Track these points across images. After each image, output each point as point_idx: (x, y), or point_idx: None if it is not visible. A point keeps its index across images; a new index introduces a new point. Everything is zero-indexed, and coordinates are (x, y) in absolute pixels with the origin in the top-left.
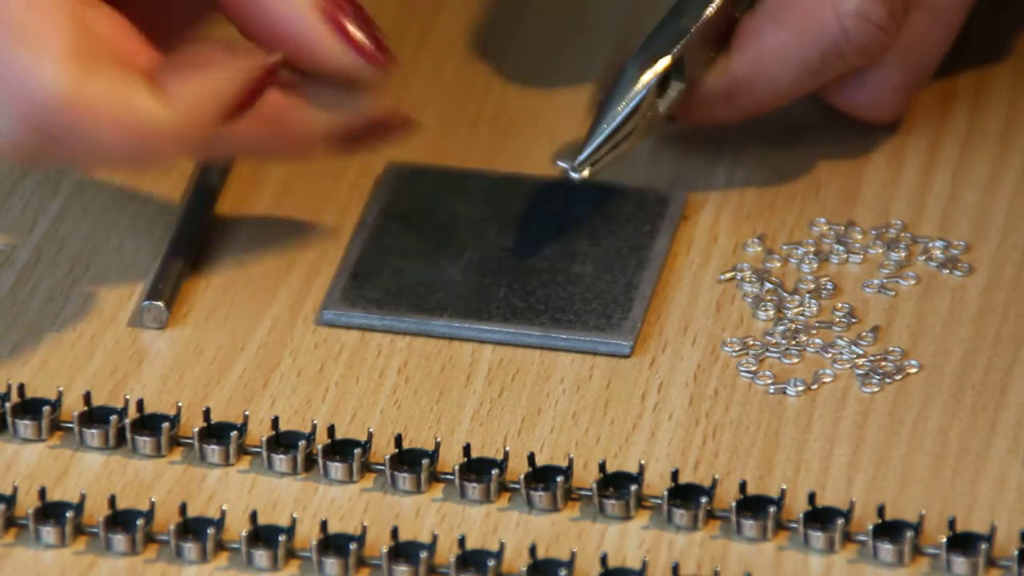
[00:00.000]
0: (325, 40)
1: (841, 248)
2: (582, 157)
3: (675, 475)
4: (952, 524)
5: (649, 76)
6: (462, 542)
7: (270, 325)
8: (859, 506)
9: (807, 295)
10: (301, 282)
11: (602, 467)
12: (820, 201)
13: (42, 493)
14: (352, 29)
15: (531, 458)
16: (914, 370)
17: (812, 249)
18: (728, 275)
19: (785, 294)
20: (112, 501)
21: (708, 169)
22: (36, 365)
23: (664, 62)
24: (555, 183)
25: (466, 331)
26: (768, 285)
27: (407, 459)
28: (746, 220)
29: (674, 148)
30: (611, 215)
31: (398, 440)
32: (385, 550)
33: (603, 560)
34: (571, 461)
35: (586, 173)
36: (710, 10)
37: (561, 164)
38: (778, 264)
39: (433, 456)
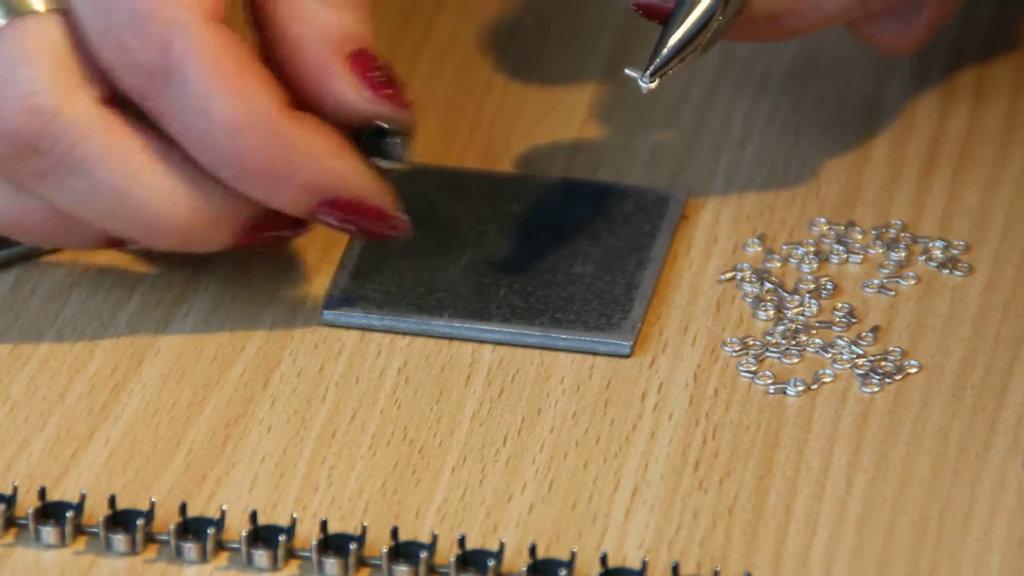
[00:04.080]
0: (340, 79)
1: (841, 248)
2: (652, 68)
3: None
4: None
5: None
6: (462, 542)
7: (270, 325)
8: (860, 506)
9: (807, 295)
10: (301, 282)
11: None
12: (820, 201)
13: (42, 493)
14: (372, 75)
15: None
16: (914, 370)
17: (812, 249)
18: (728, 275)
19: (785, 294)
20: (112, 501)
21: (708, 169)
22: (36, 365)
23: None
24: (555, 183)
25: (466, 331)
26: (768, 285)
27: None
28: (746, 220)
29: (674, 148)
30: (611, 215)
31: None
32: (385, 550)
33: (603, 560)
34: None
35: (655, 85)
36: None
37: (631, 73)
38: (778, 264)
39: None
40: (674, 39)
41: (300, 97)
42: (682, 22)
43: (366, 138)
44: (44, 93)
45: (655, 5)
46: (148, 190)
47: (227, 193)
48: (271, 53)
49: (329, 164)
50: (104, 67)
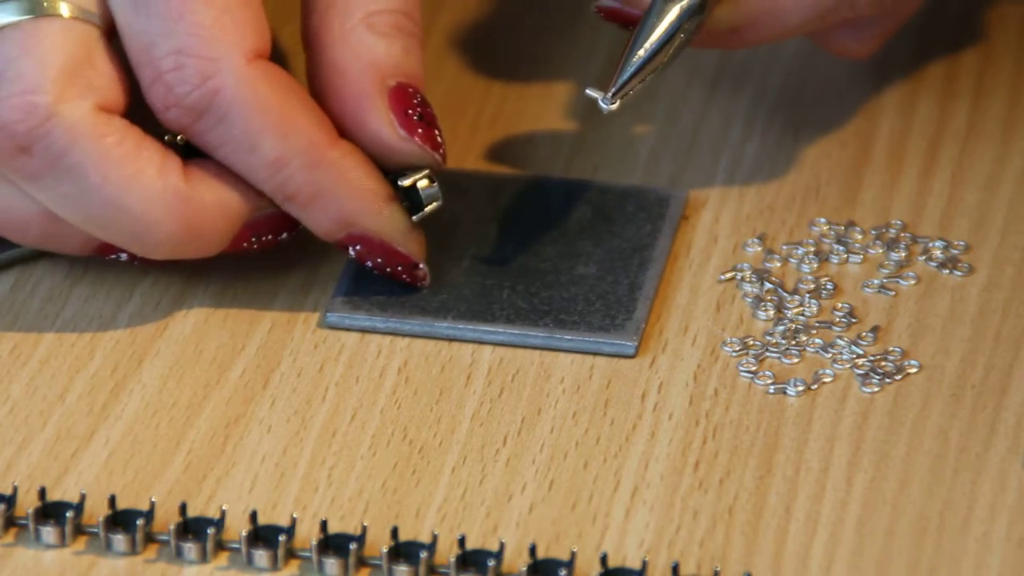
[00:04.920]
0: (377, 113)
1: (841, 248)
2: (614, 89)
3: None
4: None
5: (678, 8)
6: (462, 542)
7: (270, 325)
8: (860, 506)
9: (807, 295)
10: (301, 282)
11: None
12: (820, 201)
13: (42, 493)
14: (410, 112)
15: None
16: (914, 370)
17: (812, 249)
18: (728, 275)
19: (785, 294)
20: (112, 501)
21: (708, 169)
22: (36, 365)
23: None
24: (555, 183)
25: (470, 333)
26: (768, 285)
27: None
28: (746, 220)
29: (674, 148)
30: (612, 215)
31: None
32: (385, 550)
33: (603, 560)
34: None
35: (616, 106)
36: None
37: (591, 93)
38: (778, 264)
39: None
40: (637, 58)
41: (339, 123)
42: (644, 41)
43: (402, 187)
44: (42, 92)
45: (617, 9)
46: (142, 200)
47: (220, 203)
48: (316, 75)
49: (361, 201)
50: (151, 104)
